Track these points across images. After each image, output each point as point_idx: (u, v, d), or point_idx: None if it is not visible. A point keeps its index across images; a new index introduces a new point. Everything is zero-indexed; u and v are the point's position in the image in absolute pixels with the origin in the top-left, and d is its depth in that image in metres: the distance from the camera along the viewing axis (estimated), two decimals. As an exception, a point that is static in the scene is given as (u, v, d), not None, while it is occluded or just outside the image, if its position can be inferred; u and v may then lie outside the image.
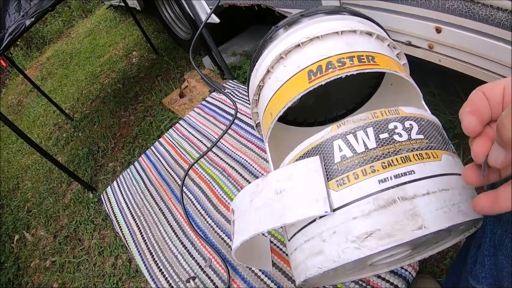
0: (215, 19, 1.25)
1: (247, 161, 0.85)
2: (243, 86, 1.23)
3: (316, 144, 0.37)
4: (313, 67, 0.44)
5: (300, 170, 0.36)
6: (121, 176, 1.04)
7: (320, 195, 0.33)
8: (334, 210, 0.33)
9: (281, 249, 0.63)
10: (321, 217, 0.34)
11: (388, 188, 0.32)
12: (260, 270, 0.60)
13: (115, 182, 1.03)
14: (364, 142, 0.35)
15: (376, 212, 0.32)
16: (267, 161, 0.83)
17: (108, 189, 1.01)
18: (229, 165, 0.87)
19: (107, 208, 0.94)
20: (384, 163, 0.34)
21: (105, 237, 1.34)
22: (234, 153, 0.90)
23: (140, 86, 2.10)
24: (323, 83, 0.42)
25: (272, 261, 0.60)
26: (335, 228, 0.33)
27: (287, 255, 0.63)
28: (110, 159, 1.73)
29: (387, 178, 0.33)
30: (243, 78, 1.63)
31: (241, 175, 0.83)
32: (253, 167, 0.83)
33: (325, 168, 0.35)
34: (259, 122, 0.62)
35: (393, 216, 0.32)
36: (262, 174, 0.79)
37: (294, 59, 0.48)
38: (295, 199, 0.34)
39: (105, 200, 0.97)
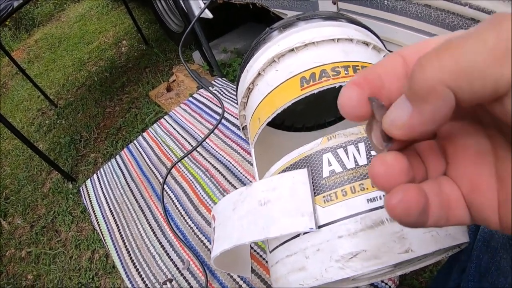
0: (208, 14, 1.23)
1: (231, 163, 0.84)
2: (232, 85, 1.21)
3: (305, 155, 0.36)
4: (306, 74, 0.43)
5: (286, 182, 0.34)
6: (101, 169, 1.00)
7: (306, 210, 0.32)
8: (319, 227, 0.32)
9: (261, 256, 0.61)
10: (305, 232, 0.32)
11: (376, 208, 0.32)
12: (238, 276, 0.59)
13: (95, 175, 1.00)
14: (354, 158, 0.34)
15: (363, 232, 0.31)
16: (252, 165, 0.82)
17: (88, 182, 0.98)
18: (212, 165, 0.85)
19: (86, 202, 0.91)
20: (373, 180, 0.33)
21: (82, 230, 1.30)
22: (219, 153, 0.89)
23: (128, 77, 2.05)
24: (315, 91, 0.41)
25: (252, 267, 0.59)
26: (320, 245, 0.32)
27: (267, 262, 0.62)
28: (92, 150, 1.68)
29: (376, 197, 0.32)
30: (232, 76, 1.61)
31: (224, 177, 0.81)
32: (237, 169, 0.82)
33: (313, 182, 0.34)
34: (246, 125, 0.61)
35: (380, 238, 0.31)
36: (246, 177, 0.77)
37: (287, 63, 0.47)
38: (279, 211, 0.33)
39: (84, 194, 0.94)
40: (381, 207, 0.31)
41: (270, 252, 0.38)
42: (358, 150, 0.34)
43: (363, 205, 0.32)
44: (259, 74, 0.49)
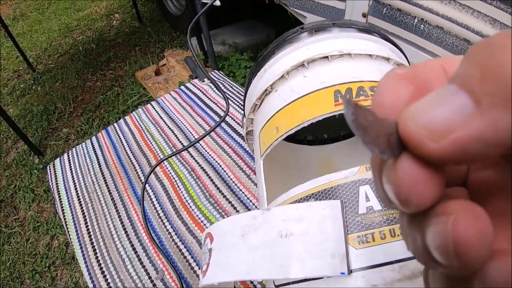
0: (216, 1, 1.16)
1: (221, 166, 0.78)
2: (228, 80, 1.14)
3: (337, 184, 0.30)
4: (341, 88, 0.38)
5: (315, 214, 0.29)
6: (73, 149, 0.91)
7: (338, 251, 0.27)
8: (350, 272, 0.27)
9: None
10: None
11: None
12: (218, 296, 0.53)
13: (65, 155, 0.90)
14: (396, 195, 0.29)
15: (400, 283, 0.26)
16: (244, 173, 0.76)
17: (57, 161, 0.88)
18: (200, 165, 0.79)
19: (52, 183, 0.81)
20: (415, 225, 0.28)
21: (43, 211, 1.19)
22: (208, 153, 0.82)
23: (115, 52, 1.94)
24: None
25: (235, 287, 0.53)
26: (348, 294, 0.27)
27: (251, 282, 0.56)
28: (66, 124, 1.56)
29: (418, 245, 0.28)
30: (228, 70, 1.55)
31: (211, 180, 0.75)
32: (227, 174, 0.75)
33: (346, 218, 0.29)
34: (251, 130, 0.55)
35: None
36: (236, 185, 0.72)
37: (318, 71, 0.41)
38: (305, 248, 0.28)
39: (50, 173, 0.84)
40: None
41: (276, 286, 0.33)
42: (399, 187, 0.30)
43: (403, 251, 0.27)
44: (282, 76, 0.44)
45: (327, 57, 0.42)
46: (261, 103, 0.48)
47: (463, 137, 0.09)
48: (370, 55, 0.42)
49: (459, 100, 0.09)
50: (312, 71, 0.42)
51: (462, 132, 0.09)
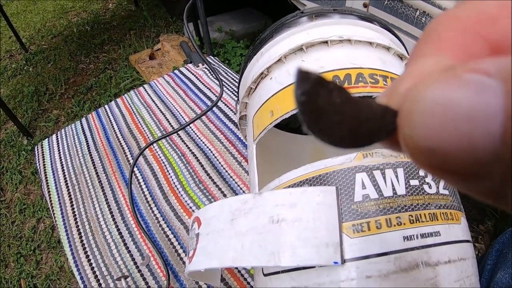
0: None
1: (211, 152, 0.76)
2: (223, 66, 1.12)
3: (333, 170, 0.29)
4: (340, 74, 0.37)
5: (309, 200, 0.28)
6: (62, 130, 0.88)
7: (331, 239, 0.26)
8: (344, 261, 0.26)
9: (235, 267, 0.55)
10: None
11: (413, 249, 0.26)
12: (205, 284, 0.52)
13: (54, 136, 0.88)
14: (392, 185, 0.28)
15: (395, 276, 0.26)
16: (235, 159, 0.75)
17: (45, 142, 0.86)
18: (190, 150, 0.77)
19: (39, 164, 0.79)
20: (411, 216, 0.28)
21: (30, 194, 1.17)
22: (199, 138, 0.80)
23: (109, 35, 1.89)
24: (350, 96, 0.35)
25: (222, 275, 0.52)
26: (341, 283, 0.26)
27: (239, 271, 0.55)
28: (56, 106, 1.53)
29: (413, 236, 0.27)
30: (223, 57, 1.52)
31: (201, 165, 0.73)
32: (217, 160, 0.74)
33: (341, 205, 0.28)
34: (245, 115, 0.54)
35: (413, 284, 0.26)
36: (227, 171, 0.70)
37: (316, 56, 0.40)
38: (297, 236, 0.26)
39: (38, 154, 0.81)
40: (418, 248, 0.27)
41: (265, 275, 0.32)
42: (396, 177, 0.29)
43: (399, 242, 0.27)
44: (279, 60, 0.42)
45: (326, 42, 0.40)
46: (256, 87, 0.47)
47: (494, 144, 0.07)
48: (370, 43, 0.41)
49: (491, 88, 0.07)
50: (310, 56, 0.40)
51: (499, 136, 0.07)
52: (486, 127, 0.07)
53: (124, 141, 0.84)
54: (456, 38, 0.10)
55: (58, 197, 0.69)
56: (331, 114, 0.09)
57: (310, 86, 0.08)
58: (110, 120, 0.93)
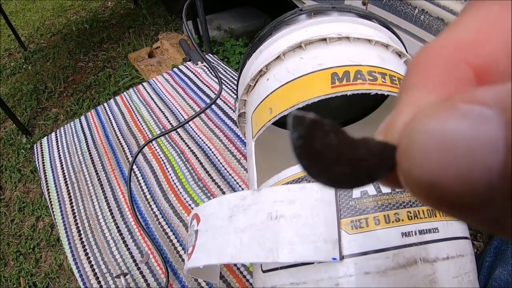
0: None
1: (211, 150, 0.76)
2: (222, 64, 1.12)
3: (332, 166, 0.29)
4: (339, 71, 0.37)
5: (308, 196, 0.28)
6: (62, 128, 0.88)
7: (330, 236, 0.26)
8: (342, 258, 0.26)
9: (234, 264, 0.55)
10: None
11: (411, 245, 0.27)
12: (204, 281, 0.52)
13: (53, 134, 0.88)
14: (391, 181, 0.28)
15: (393, 272, 0.26)
16: (234, 157, 0.75)
17: (44, 140, 0.86)
18: (189, 148, 0.77)
19: (38, 162, 0.79)
20: (410, 212, 0.28)
21: (29, 192, 1.17)
22: (198, 136, 0.80)
23: (108, 33, 1.89)
24: (348, 93, 0.35)
25: (221, 273, 0.52)
26: (339, 279, 0.26)
27: (238, 268, 0.55)
28: (55, 104, 1.52)
29: (411, 232, 0.27)
30: (222, 56, 1.52)
31: (201, 163, 0.73)
32: (216, 158, 0.74)
33: (340, 202, 0.28)
34: (243, 112, 0.53)
35: (411, 280, 0.26)
36: (226, 169, 0.70)
37: (315, 53, 0.40)
38: (295, 232, 0.27)
39: (37, 152, 0.81)
40: (416, 244, 0.27)
41: (264, 272, 0.32)
42: (395, 173, 0.29)
43: (397, 239, 0.27)
44: (278, 57, 0.42)
45: (325, 39, 0.40)
46: (255, 84, 0.47)
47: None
48: (369, 40, 0.41)
49: (491, 124, 0.07)
50: (309, 53, 0.40)
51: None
52: (485, 160, 0.07)
53: (123, 139, 0.84)
54: (440, 69, 0.10)
55: (57, 195, 0.69)
56: (328, 156, 0.09)
57: (306, 129, 0.08)
58: (109, 118, 0.93)
